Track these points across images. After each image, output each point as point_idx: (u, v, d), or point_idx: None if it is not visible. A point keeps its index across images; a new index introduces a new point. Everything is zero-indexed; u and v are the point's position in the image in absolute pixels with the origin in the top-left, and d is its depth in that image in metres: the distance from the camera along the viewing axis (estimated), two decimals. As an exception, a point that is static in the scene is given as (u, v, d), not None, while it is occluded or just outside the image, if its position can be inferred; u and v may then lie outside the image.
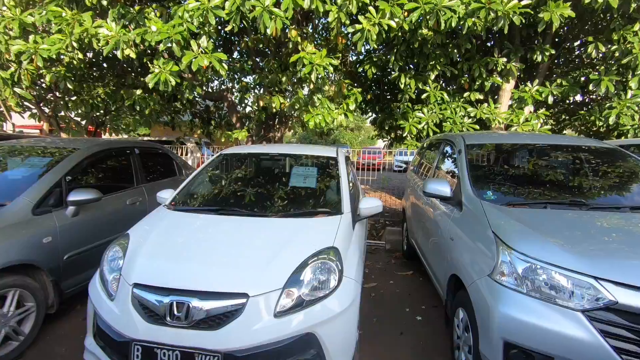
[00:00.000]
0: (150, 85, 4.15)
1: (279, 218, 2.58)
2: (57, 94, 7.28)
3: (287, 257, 2.13)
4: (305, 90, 5.69)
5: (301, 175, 3.11)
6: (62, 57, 4.42)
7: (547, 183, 2.87)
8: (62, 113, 8.72)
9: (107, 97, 6.04)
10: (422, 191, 3.02)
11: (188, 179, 3.26)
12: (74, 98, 6.70)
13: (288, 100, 5.91)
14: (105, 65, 5.97)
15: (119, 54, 3.99)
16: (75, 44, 4.23)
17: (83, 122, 8.39)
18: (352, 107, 5.66)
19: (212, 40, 4.06)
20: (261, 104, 5.37)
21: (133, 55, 4.07)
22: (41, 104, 7.32)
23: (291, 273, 2.05)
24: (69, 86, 5.16)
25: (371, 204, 2.90)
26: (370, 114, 9.69)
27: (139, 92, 5.59)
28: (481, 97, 6.74)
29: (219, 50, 5.68)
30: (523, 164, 3.14)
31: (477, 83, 6.48)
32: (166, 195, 3.12)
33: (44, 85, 6.65)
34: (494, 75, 6.49)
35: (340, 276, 2.14)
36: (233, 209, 2.71)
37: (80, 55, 4.54)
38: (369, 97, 8.65)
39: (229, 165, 3.55)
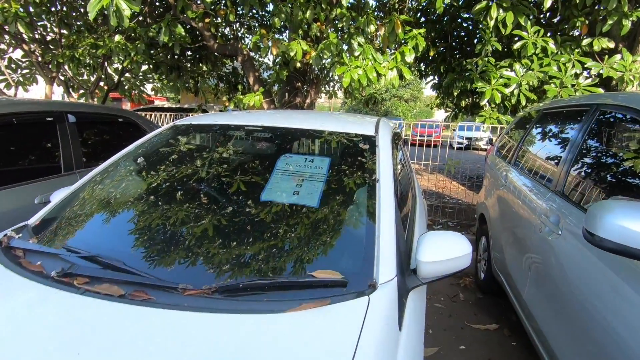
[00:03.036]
0: (91, 17, 2.65)
1: (203, 312, 0.91)
2: (55, 49, 6.17)
3: None
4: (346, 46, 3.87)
5: (292, 176, 1.42)
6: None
7: None
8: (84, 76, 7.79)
9: (92, 48, 4.72)
10: (586, 231, 1.19)
11: (94, 171, 1.75)
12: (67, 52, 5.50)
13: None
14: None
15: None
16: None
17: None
18: (409, 58, 3.76)
19: None
20: (274, 51, 3.67)
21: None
22: (39, 61, 6.24)
23: None
24: (20, 29, 3.88)
25: (448, 252, 1.15)
26: (432, 77, 7.57)
27: (117, 38, 4.17)
28: (610, 44, 4.45)
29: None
30: None
31: (610, 22, 4.20)
32: (60, 197, 1.66)
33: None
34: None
35: None
36: (106, 272, 1.06)
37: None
38: (431, 53, 6.59)
39: (182, 146, 1.98)
